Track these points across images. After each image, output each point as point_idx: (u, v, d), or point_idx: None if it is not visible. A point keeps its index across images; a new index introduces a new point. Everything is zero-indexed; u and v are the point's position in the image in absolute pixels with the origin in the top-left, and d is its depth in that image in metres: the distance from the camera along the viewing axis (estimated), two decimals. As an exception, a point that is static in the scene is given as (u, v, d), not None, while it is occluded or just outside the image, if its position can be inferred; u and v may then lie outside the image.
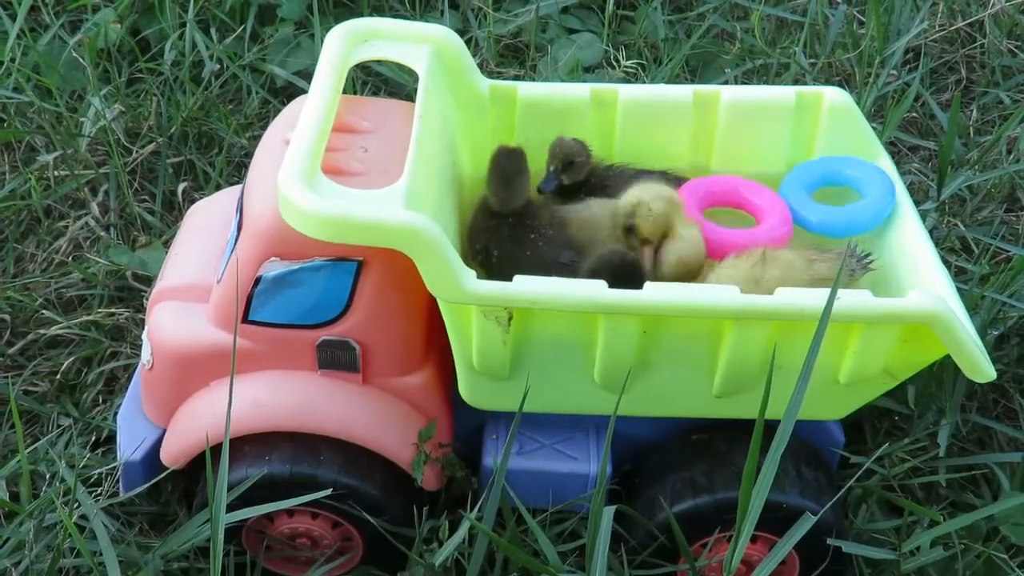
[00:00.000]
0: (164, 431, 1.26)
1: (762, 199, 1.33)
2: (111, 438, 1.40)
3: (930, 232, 1.60)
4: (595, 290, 1.08)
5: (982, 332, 1.41)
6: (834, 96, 1.36)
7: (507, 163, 1.25)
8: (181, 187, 1.77)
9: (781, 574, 1.25)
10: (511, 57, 2.12)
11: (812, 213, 1.30)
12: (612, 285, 1.08)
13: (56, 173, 1.78)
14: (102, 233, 1.71)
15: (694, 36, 2.04)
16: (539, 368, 1.16)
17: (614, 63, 2.02)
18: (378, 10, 2.15)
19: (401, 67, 1.29)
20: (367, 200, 1.06)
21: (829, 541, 1.18)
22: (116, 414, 1.32)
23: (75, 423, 1.43)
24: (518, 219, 1.26)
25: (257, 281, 1.15)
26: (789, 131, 1.37)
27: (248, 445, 1.20)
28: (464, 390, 1.19)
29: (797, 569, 1.24)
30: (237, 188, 1.41)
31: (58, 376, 1.49)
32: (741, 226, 1.30)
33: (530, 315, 1.10)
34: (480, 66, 1.98)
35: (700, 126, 1.38)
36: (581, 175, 1.34)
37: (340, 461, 1.20)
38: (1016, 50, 2.10)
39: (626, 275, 1.15)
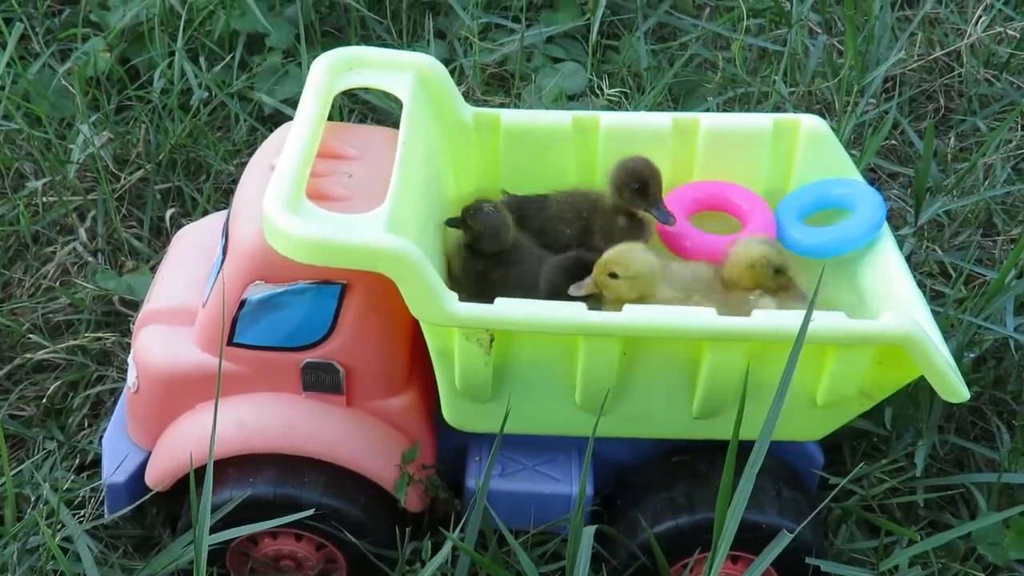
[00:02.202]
0: (149, 454, 1.26)
1: (745, 202, 1.36)
2: (97, 462, 1.41)
3: (908, 257, 1.63)
4: (575, 312, 1.10)
5: (958, 354, 1.43)
6: (811, 123, 1.39)
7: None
8: (169, 213, 1.79)
9: (762, 595, 1.26)
10: (496, 86, 2.15)
11: (806, 236, 1.32)
12: (567, 287, 1.17)
13: (44, 199, 1.79)
14: (90, 258, 1.72)
15: (677, 65, 2.07)
16: (521, 390, 1.17)
17: (598, 91, 2.05)
18: (366, 39, 2.18)
19: (388, 95, 1.31)
20: (350, 224, 1.07)
21: (808, 560, 1.19)
22: (102, 437, 1.33)
23: (60, 447, 1.43)
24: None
25: (242, 304, 1.17)
26: (767, 158, 1.40)
27: (232, 467, 1.21)
28: (447, 412, 1.21)
29: (777, 589, 1.25)
30: (224, 213, 1.42)
31: (44, 400, 1.50)
32: (726, 230, 1.33)
33: (511, 337, 1.12)
34: (466, 95, 2.01)
35: (680, 152, 1.40)
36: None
37: (324, 483, 1.21)
38: (992, 79, 2.14)
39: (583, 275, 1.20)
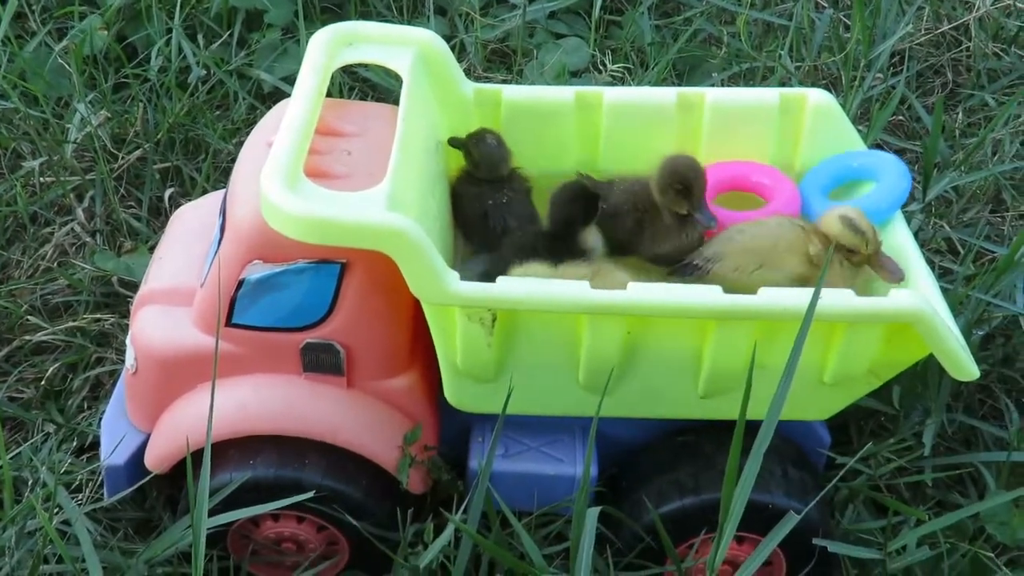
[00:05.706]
0: (148, 436, 1.25)
1: (767, 179, 1.34)
2: (96, 444, 1.39)
3: (916, 233, 1.61)
4: (579, 291, 1.08)
5: (967, 332, 1.41)
6: (818, 98, 1.37)
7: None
8: (168, 193, 1.77)
9: (768, 575, 1.25)
10: (498, 62, 2.12)
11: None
12: (575, 211, 1.23)
13: (42, 179, 1.78)
14: (88, 239, 1.71)
15: (681, 40, 2.05)
16: (524, 369, 1.16)
17: (601, 67, 2.03)
18: (365, 15, 2.15)
19: (388, 72, 1.29)
20: (349, 202, 1.05)
21: (815, 541, 1.18)
22: (101, 419, 1.31)
23: (59, 429, 1.42)
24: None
25: (240, 284, 1.15)
26: (774, 132, 1.38)
27: (233, 449, 1.19)
28: (449, 392, 1.19)
29: (784, 570, 1.23)
30: (222, 192, 1.40)
31: (43, 382, 1.49)
32: (751, 208, 1.32)
33: (514, 316, 1.10)
34: (467, 71, 1.99)
35: (685, 128, 1.38)
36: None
37: (325, 465, 1.19)
38: (1001, 53, 2.11)
39: (586, 202, 1.25)
